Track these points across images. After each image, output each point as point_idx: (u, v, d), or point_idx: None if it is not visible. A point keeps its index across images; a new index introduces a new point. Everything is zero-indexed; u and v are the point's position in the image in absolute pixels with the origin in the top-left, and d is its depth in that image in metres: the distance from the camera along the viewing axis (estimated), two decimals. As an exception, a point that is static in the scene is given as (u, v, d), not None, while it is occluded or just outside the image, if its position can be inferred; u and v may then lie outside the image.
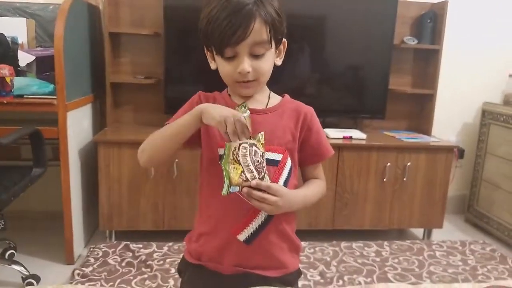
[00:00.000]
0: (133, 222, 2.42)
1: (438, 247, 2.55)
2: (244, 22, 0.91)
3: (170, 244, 2.40)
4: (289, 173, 1.04)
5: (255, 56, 0.96)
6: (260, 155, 0.92)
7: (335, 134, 2.54)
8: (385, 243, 2.54)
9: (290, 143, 1.05)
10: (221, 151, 1.00)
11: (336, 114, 2.75)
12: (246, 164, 0.90)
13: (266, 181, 0.92)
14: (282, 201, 0.94)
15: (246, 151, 0.90)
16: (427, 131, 2.83)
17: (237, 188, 0.91)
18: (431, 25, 2.78)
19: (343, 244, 2.51)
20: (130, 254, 2.28)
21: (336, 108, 2.73)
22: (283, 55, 1.06)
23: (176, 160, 2.34)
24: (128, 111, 2.74)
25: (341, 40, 2.69)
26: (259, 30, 0.93)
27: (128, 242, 2.37)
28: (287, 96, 1.12)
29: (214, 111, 0.92)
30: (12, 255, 2.20)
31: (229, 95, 1.09)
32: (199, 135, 1.05)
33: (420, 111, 2.94)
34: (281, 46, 1.04)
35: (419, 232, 2.81)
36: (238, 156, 0.90)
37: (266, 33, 0.95)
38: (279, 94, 1.12)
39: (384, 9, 2.67)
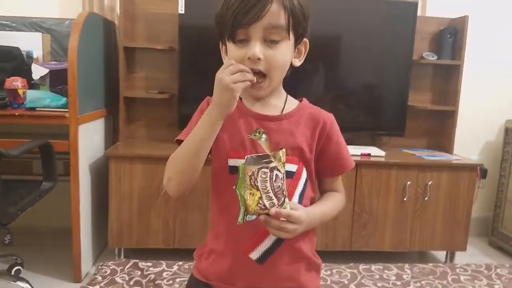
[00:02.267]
0: (143, 240, 2.35)
1: (462, 271, 2.41)
2: (260, 2, 0.85)
3: (180, 263, 2.32)
4: (305, 185, 0.97)
5: (270, 44, 0.88)
6: (281, 179, 0.82)
7: (353, 151, 2.46)
8: (406, 265, 2.42)
9: (306, 154, 0.96)
10: (231, 162, 0.94)
11: (354, 131, 2.67)
12: (266, 190, 0.81)
13: (286, 206, 0.83)
14: (301, 228, 0.86)
15: (266, 177, 0.81)
16: (448, 149, 2.73)
17: (253, 217, 0.83)
18: (451, 40, 2.71)
19: (362, 266, 2.39)
20: (139, 272, 2.20)
21: (354, 125, 2.65)
22: (304, 57, 0.98)
23: (189, 176, 2.28)
24: (141, 126, 2.70)
25: (360, 56, 2.63)
26: (276, 13, 0.86)
27: (137, 260, 2.30)
28: (305, 100, 1.03)
29: (214, 95, 0.86)
30: (18, 271, 2.13)
31: (240, 98, 0.99)
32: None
33: (440, 128, 2.85)
34: (302, 47, 0.97)
35: (441, 254, 2.69)
36: (257, 182, 0.81)
37: (284, 19, 0.87)
38: (296, 98, 1.04)
39: (403, 25, 2.62)
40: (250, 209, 0.81)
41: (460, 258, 2.60)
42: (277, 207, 0.82)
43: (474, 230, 2.96)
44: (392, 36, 2.63)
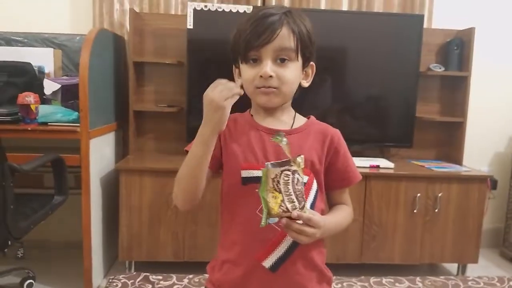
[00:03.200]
0: (153, 253, 2.36)
1: (474, 283, 2.39)
2: (271, 26, 0.92)
3: (191, 276, 2.32)
4: (315, 196, 1.00)
5: (280, 63, 0.95)
6: (301, 183, 0.85)
7: (361, 162, 2.46)
8: (418, 278, 2.40)
9: (316, 165, 1.00)
10: (244, 173, 0.97)
11: (361, 143, 2.67)
12: (288, 193, 0.83)
13: (306, 210, 0.86)
14: (320, 232, 0.88)
15: (289, 179, 0.84)
16: (457, 161, 2.72)
17: (276, 219, 0.85)
18: (458, 52, 2.72)
19: (373, 279, 2.38)
20: (150, 286, 2.20)
21: (362, 137, 2.65)
22: (311, 79, 1.05)
23: (198, 189, 2.29)
24: (151, 140, 2.72)
25: (367, 69, 2.64)
26: (286, 36, 0.94)
27: (148, 274, 2.30)
28: (313, 117, 1.08)
29: (205, 115, 0.91)
30: (30, 284, 2.15)
31: (252, 115, 1.05)
32: (221, 159, 1.01)
33: (449, 139, 2.84)
34: (309, 70, 1.04)
35: (452, 267, 2.66)
36: (279, 184, 0.83)
37: (294, 42, 0.95)
38: (304, 113, 1.09)
39: (410, 37, 2.64)
40: (273, 212, 0.83)
41: (472, 270, 2.58)
42: (298, 210, 0.84)
43: (485, 241, 2.93)
44: (399, 48, 2.64)
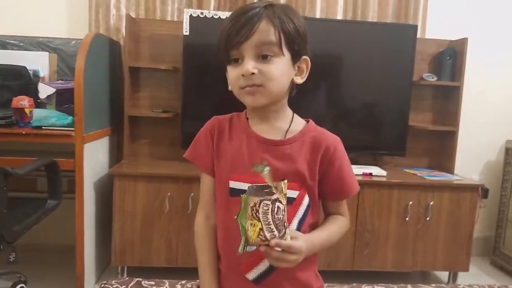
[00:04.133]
0: (146, 258, 2.35)
1: (465, 291, 2.41)
2: (249, 21, 0.88)
3: (183, 282, 2.31)
4: (306, 212, 0.97)
5: (263, 59, 0.89)
6: (283, 210, 0.81)
7: (355, 170, 2.41)
8: (409, 286, 2.40)
9: (307, 180, 0.96)
10: (232, 184, 0.95)
11: (355, 151, 2.68)
12: (267, 222, 0.80)
13: (287, 238, 0.83)
14: (302, 257, 0.86)
15: (268, 209, 0.80)
16: (449, 169, 2.75)
17: (254, 247, 0.84)
18: (450, 62, 2.75)
19: (364, 286, 2.38)
20: (142, 291, 2.20)
21: (355, 145, 2.66)
22: (306, 75, 0.98)
23: (192, 194, 2.30)
24: (145, 145, 2.72)
25: (361, 78, 2.67)
26: (265, 30, 0.88)
27: (140, 279, 2.29)
28: (311, 122, 1.03)
29: None
30: (21, 289, 2.14)
31: (247, 118, 1.02)
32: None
33: (441, 148, 2.87)
34: (303, 65, 0.97)
35: (443, 275, 2.68)
36: (258, 213, 0.79)
37: (275, 35, 0.89)
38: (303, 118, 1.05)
39: (403, 47, 2.67)
40: (251, 240, 0.81)
41: (463, 278, 2.60)
42: (277, 239, 0.81)
43: (476, 250, 2.96)
44: (392, 58, 2.67)
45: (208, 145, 1.01)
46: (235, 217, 0.83)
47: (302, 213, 0.96)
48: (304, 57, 0.96)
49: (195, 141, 1.05)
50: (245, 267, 0.96)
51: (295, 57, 0.94)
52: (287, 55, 0.91)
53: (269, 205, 0.80)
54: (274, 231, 0.81)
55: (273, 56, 0.89)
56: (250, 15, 0.88)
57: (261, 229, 0.80)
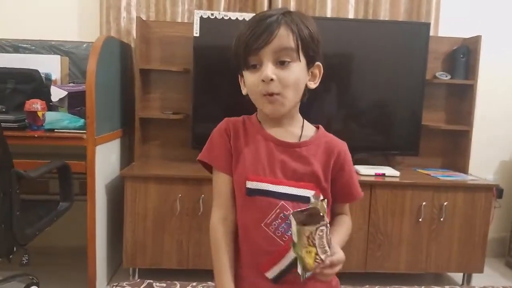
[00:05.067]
0: (157, 260, 2.36)
1: (480, 293, 2.37)
2: (269, 28, 0.90)
3: (194, 284, 2.31)
4: None
5: (281, 66, 0.92)
6: (329, 229, 0.85)
7: (367, 171, 2.45)
8: (423, 288, 2.38)
9: (322, 183, 1.00)
10: (249, 184, 0.97)
11: (367, 151, 2.66)
12: (322, 246, 0.84)
13: (334, 252, 0.87)
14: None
15: (323, 233, 0.83)
16: (463, 169, 2.71)
17: (311, 272, 0.85)
18: (464, 60, 2.71)
19: (377, 288, 2.36)
20: (154, 293, 2.20)
21: (368, 145, 2.64)
22: (319, 80, 1.02)
23: (203, 196, 2.29)
24: (156, 146, 2.73)
25: (373, 76, 2.64)
26: (285, 36, 0.91)
27: (152, 281, 2.29)
28: (321, 128, 1.07)
29: None
30: (34, 291, 2.15)
31: (259, 122, 1.04)
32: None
33: (454, 148, 2.83)
34: (316, 70, 1.00)
35: (457, 276, 2.64)
36: (314, 240, 0.82)
37: (293, 41, 0.92)
38: (310, 121, 1.08)
39: (416, 45, 2.63)
40: (309, 267, 0.84)
41: (477, 280, 2.55)
42: (330, 258, 0.85)
43: (491, 250, 2.91)
44: (405, 56, 2.64)
45: (225, 145, 1.02)
46: (291, 250, 0.86)
47: None
48: (317, 63, 1.00)
49: (210, 143, 1.05)
50: (264, 266, 0.97)
51: (310, 63, 0.97)
52: (303, 60, 0.95)
53: (324, 229, 0.83)
54: (327, 252, 0.84)
55: (291, 61, 0.93)
56: (269, 22, 0.91)
57: (316, 253, 0.83)
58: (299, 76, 0.94)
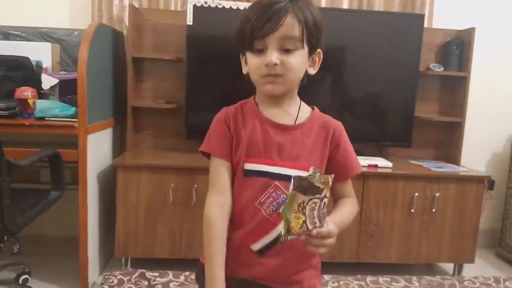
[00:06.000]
0: (150, 249, 2.35)
1: (470, 283, 2.39)
2: (276, 15, 0.92)
3: (187, 273, 2.32)
4: None
5: (285, 52, 0.95)
6: (326, 204, 0.85)
7: (360, 162, 2.44)
8: (414, 278, 2.40)
9: (318, 163, 1.02)
10: (246, 166, 1.00)
11: (360, 142, 2.66)
12: (312, 216, 0.84)
13: (325, 225, 0.87)
14: (335, 240, 0.90)
15: (316, 206, 0.83)
16: (455, 161, 2.72)
17: (294, 236, 0.85)
18: (457, 52, 2.72)
19: (369, 278, 2.37)
20: (146, 282, 2.20)
21: (361, 136, 2.64)
22: (318, 66, 1.05)
23: (196, 185, 2.29)
24: (148, 136, 2.71)
25: (367, 68, 2.64)
26: (291, 25, 0.93)
27: (144, 270, 2.30)
28: (316, 109, 1.10)
29: None
30: (26, 280, 2.14)
31: (257, 104, 1.06)
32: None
33: (447, 139, 2.84)
34: (316, 57, 1.03)
35: (448, 267, 2.67)
36: (305, 209, 0.83)
37: (299, 30, 0.94)
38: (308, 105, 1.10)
39: (410, 36, 2.63)
40: (293, 231, 0.84)
41: (468, 270, 2.58)
42: (318, 229, 0.85)
43: (482, 241, 2.93)
44: (399, 48, 2.64)
45: (225, 134, 1.04)
46: (279, 211, 0.87)
47: None
48: (318, 50, 1.03)
49: (209, 134, 1.06)
50: (251, 239, 1.00)
51: (312, 50, 1.00)
52: (305, 48, 0.98)
53: (317, 202, 0.83)
54: (316, 223, 0.84)
55: (295, 50, 0.96)
56: (277, 8, 0.92)
57: (304, 221, 0.83)
58: (301, 62, 0.98)
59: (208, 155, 1.06)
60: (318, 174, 0.84)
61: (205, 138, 1.06)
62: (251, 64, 0.99)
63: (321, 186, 0.82)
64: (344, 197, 1.09)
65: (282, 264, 1.01)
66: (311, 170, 0.90)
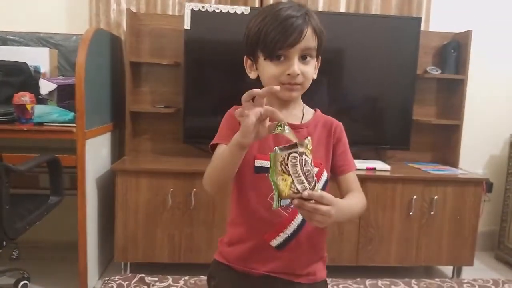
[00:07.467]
0: (149, 254, 2.35)
1: (469, 286, 2.38)
2: (299, 27, 0.99)
3: (187, 278, 2.30)
4: (324, 186, 1.08)
5: (303, 61, 1.02)
6: (310, 164, 0.86)
7: (358, 165, 2.42)
8: (413, 281, 2.40)
9: (324, 158, 1.09)
10: (257, 163, 1.05)
11: (358, 145, 2.66)
12: (297, 174, 0.84)
13: (317, 190, 0.86)
14: (334, 210, 0.87)
15: (296, 161, 0.84)
16: (453, 163, 2.73)
17: (287, 201, 0.85)
18: (455, 55, 2.73)
19: (368, 281, 2.37)
20: (145, 287, 2.19)
21: (359, 139, 2.63)
22: (317, 71, 1.11)
23: (194, 190, 2.29)
24: (147, 140, 2.71)
25: (364, 71, 2.65)
26: (310, 37, 1.01)
27: (143, 275, 2.29)
28: (318, 111, 1.17)
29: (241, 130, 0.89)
30: (25, 285, 2.13)
31: None
32: None
33: (445, 142, 2.85)
34: (317, 63, 1.10)
35: (447, 269, 2.67)
36: (287, 167, 0.84)
37: (315, 41, 1.03)
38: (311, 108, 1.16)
39: (407, 40, 2.64)
40: (284, 194, 0.84)
41: (467, 273, 2.58)
42: (309, 190, 0.85)
43: (480, 244, 2.94)
44: (396, 51, 2.65)
45: (236, 127, 1.02)
46: (266, 174, 0.87)
47: (321, 187, 1.02)
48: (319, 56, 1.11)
49: (221, 128, 1.09)
50: (269, 236, 1.04)
51: (317, 57, 1.09)
52: (315, 57, 1.06)
53: (297, 157, 0.84)
54: (304, 183, 0.84)
55: (311, 58, 1.04)
56: (299, 22, 0.99)
57: (292, 182, 0.84)
58: (313, 70, 1.07)
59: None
60: (288, 127, 0.87)
61: (216, 135, 1.08)
62: (269, 71, 1.03)
63: (294, 139, 0.85)
64: (351, 191, 1.11)
65: (298, 257, 1.06)
66: (280, 126, 0.88)
